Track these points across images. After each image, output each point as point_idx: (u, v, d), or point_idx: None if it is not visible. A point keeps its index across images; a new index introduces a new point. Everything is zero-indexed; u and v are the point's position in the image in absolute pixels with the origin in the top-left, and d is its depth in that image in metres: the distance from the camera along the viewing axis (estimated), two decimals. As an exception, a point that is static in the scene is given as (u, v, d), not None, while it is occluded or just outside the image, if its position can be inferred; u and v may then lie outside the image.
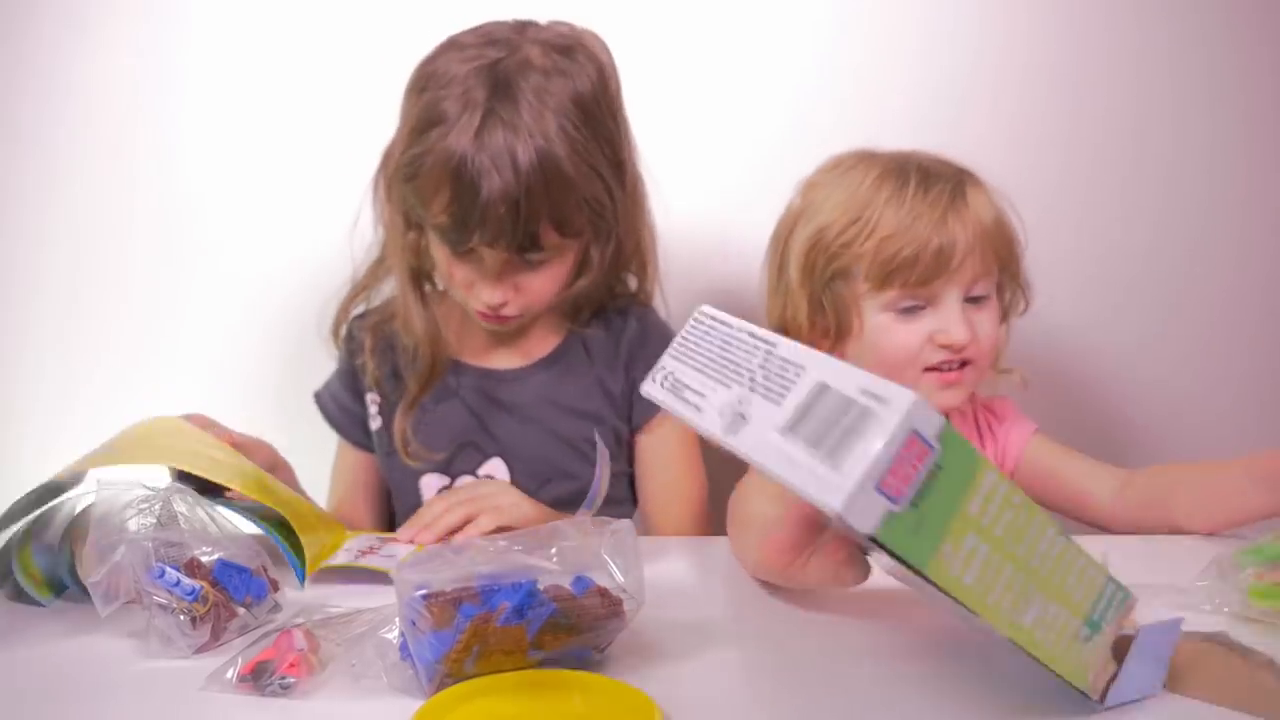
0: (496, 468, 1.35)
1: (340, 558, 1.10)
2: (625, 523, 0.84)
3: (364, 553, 1.11)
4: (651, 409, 1.33)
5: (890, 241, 1.24)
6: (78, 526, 0.96)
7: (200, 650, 0.89)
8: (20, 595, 0.99)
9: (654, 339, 1.36)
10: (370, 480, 1.45)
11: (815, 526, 0.87)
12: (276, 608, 0.97)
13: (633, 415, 1.38)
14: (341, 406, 1.44)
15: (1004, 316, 1.36)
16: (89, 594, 0.90)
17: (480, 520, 1.16)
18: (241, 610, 0.93)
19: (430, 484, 1.36)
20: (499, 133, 1.17)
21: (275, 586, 0.97)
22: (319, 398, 1.46)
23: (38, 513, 1.01)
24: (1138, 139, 1.65)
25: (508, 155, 1.16)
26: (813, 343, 1.29)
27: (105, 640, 0.92)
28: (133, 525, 0.92)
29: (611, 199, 1.27)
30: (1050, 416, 1.45)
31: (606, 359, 1.37)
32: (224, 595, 0.91)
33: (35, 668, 0.88)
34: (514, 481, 1.35)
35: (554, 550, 0.82)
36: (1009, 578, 0.69)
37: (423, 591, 0.80)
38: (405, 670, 0.83)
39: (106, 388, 1.67)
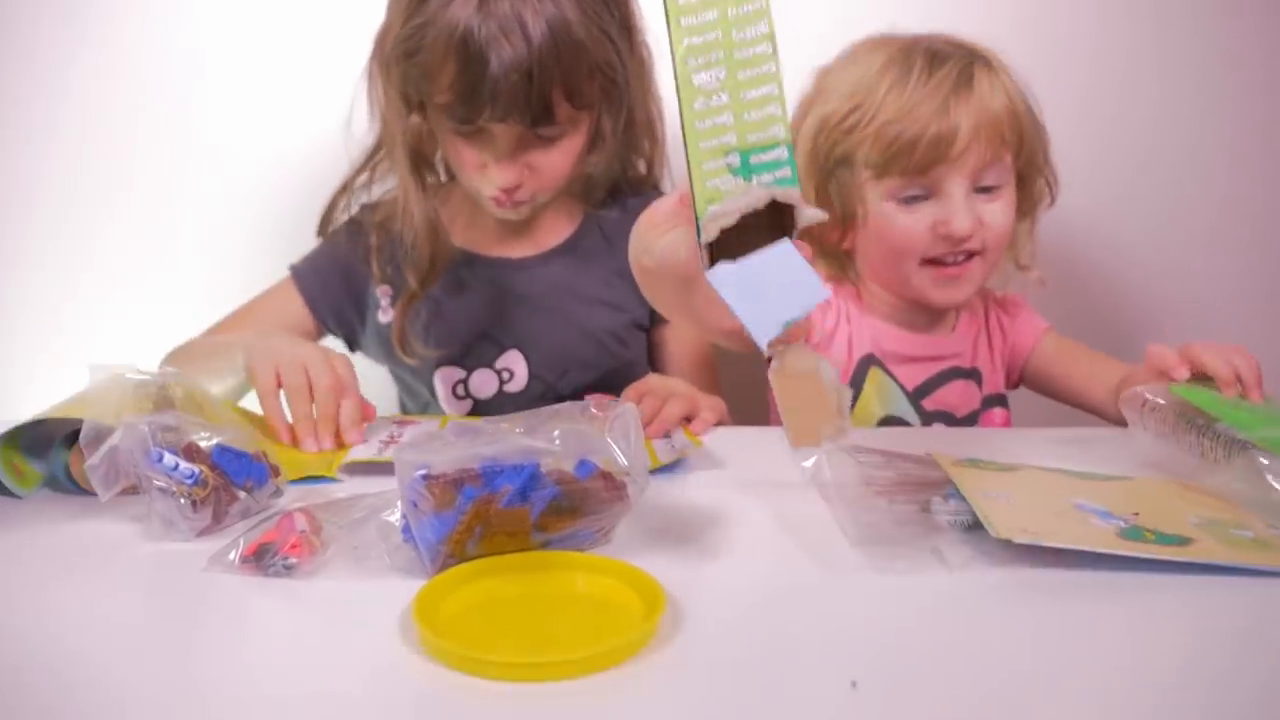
0: (514, 360, 1.33)
1: (364, 451, 1.08)
2: (629, 406, 0.83)
3: (387, 443, 1.10)
4: None
5: (889, 127, 1.22)
6: (70, 421, 0.95)
7: (202, 534, 0.89)
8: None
9: None
10: None
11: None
12: (278, 493, 0.96)
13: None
14: (325, 283, 1.38)
15: (1028, 210, 1.33)
16: (86, 492, 0.90)
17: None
18: (242, 494, 0.92)
19: (446, 378, 1.34)
20: None
21: (276, 472, 0.96)
22: (297, 271, 1.39)
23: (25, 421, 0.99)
24: (1133, 31, 1.61)
25: (516, 22, 1.11)
26: (821, 234, 1.28)
27: (107, 525, 0.92)
28: (128, 410, 0.91)
29: (623, 65, 1.22)
30: (1059, 308, 1.44)
31: (626, 243, 1.34)
32: (224, 479, 0.91)
33: (38, 552, 0.88)
34: (531, 375, 1.32)
35: (556, 433, 0.81)
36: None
37: (423, 472, 0.79)
38: (407, 552, 0.82)
39: (100, 289, 1.66)
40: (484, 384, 1.36)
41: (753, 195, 0.75)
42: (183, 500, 0.88)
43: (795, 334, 0.76)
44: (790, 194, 0.75)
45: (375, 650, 0.72)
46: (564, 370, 1.32)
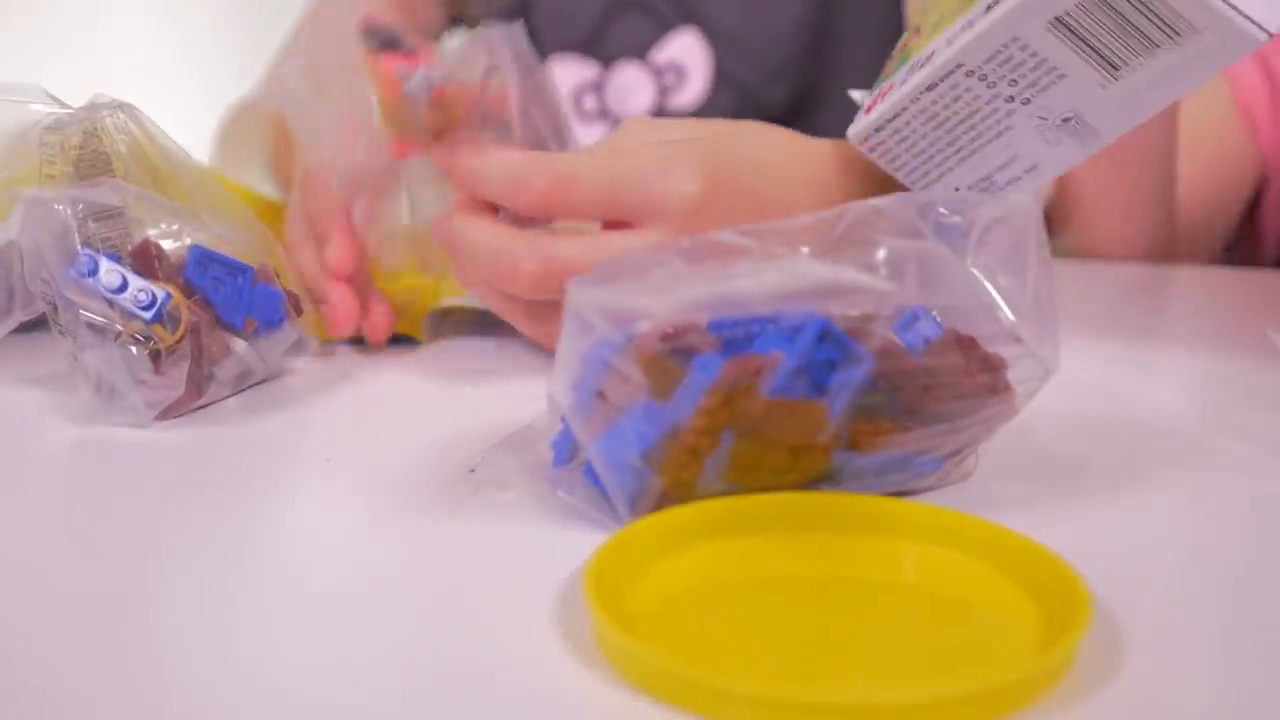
0: (688, 49, 0.89)
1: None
2: (1022, 199, 0.42)
3: None
4: None
5: None
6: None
7: (167, 413, 0.53)
8: None
9: None
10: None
11: None
12: (300, 346, 0.59)
13: None
14: None
15: None
16: None
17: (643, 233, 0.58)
18: (239, 344, 0.54)
19: (567, 75, 0.88)
20: None
21: (297, 306, 0.58)
22: None
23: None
24: None
25: None
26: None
27: None
28: (30, 177, 0.53)
29: None
30: None
31: None
32: (207, 311, 0.53)
33: None
34: (719, 74, 0.88)
35: (881, 253, 0.41)
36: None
37: (625, 332, 0.40)
38: (576, 481, 0.44)
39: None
40: (630, 91, 0.92)
41: None
42: (134, 349, 0.51)
43: None
44: None
45: (508, 655, 0.36)
46: (774, 71, 0.89)
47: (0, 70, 0.70)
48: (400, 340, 0.65)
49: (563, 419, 0.44)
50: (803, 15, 0.90)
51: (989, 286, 0.41)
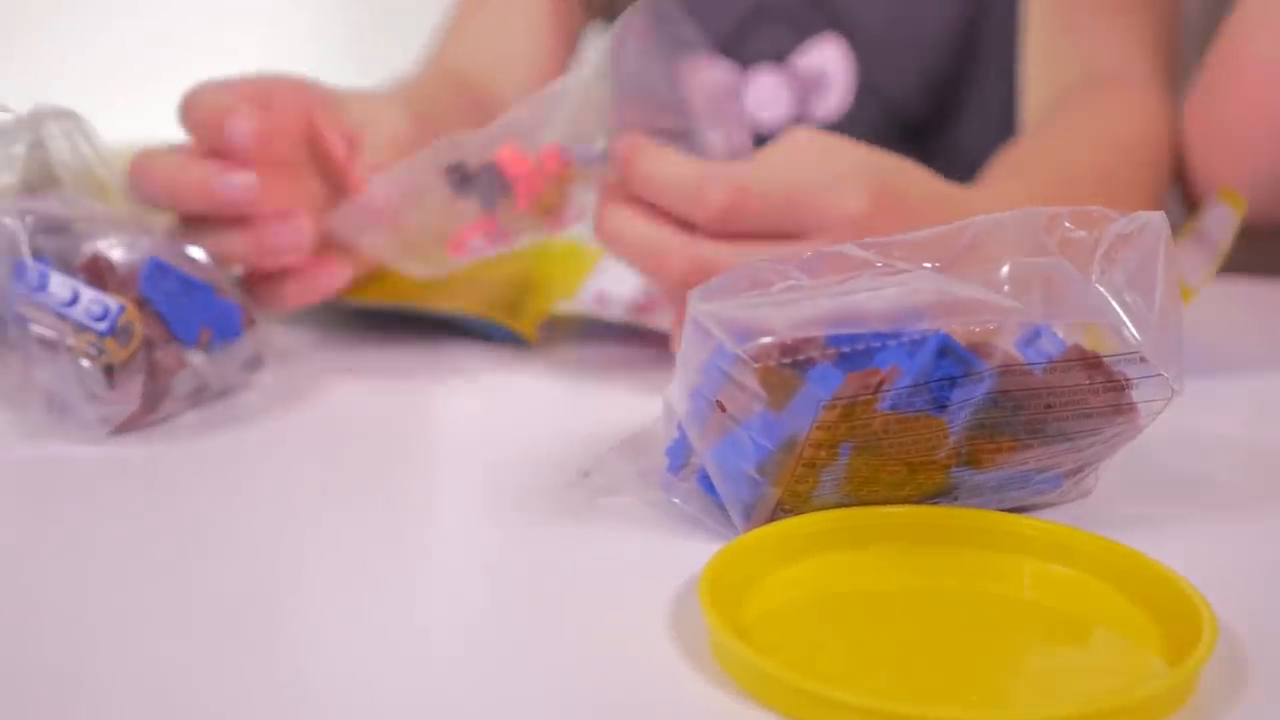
0: (829, 57, 0.87)
1: (587, 302, 0.69)
2: (1153, 215, 0.42)
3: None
4: None
5: None
6: None
7: (123, 427, 0.51)
8: None
9: None
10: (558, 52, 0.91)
11: None
12: (256, 361, 0.56)
13: None
14: None
15: None
16: None
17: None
18: (195, 356, 0.52)
19: (705, 81, 0.87)
20: None
21: (250, 319, 0.55)
22: None
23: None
24: None
25: None
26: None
27: None
28: None
29: None
30: None
31: None
32: (161, 326, 0.51)
33: None
34: (863, 83, 0.85)
35: (1004, 268, 0.40)
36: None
37: (743, 345, 0.40)
38: (691, 489, 0.44)
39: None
40: (768, 99, 0.88)
41: None
42: (86, 363, 0.49)
43: None
44: None
45: (623, 660, 0.37)
46: (923, 76, 0.87)
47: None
48: (510, 339, 0.65)
49: (678, 426, 0.44)
50: (952, 21, 0.87)
51: (1115, 304, 0.41)
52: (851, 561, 0.41)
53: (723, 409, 0.41)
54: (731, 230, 0.54)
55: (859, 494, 0.42)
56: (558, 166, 0.57)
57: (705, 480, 0.44)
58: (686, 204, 0.54)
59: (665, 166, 0.55)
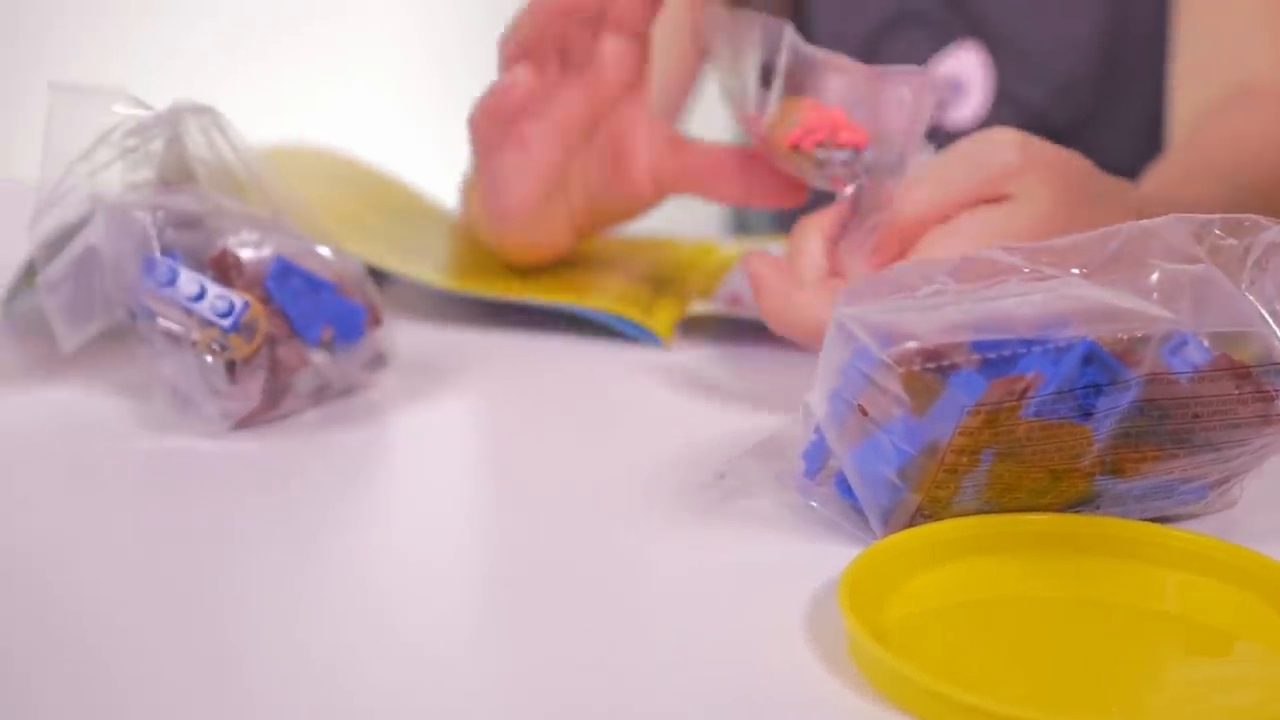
0: (968, 63, 0.84)
1: (721, 303, 0.69)
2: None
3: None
4: None
5: None
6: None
7: (243, 423, 0.51)
8: None
9: None
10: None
11: None
12: (380, 360, 0.56)
13: None
14: None
15: None
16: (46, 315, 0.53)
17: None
18: (317, 355, 0.53)
19: (834, 88, 0.86)
20: None
21: (376, 318, 0.55)
22: None
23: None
24: None
25: None
26: None
27: (73, 397, 0.55)
28: (113, 178, 0.52)
29: None
30: None
31: None
32: (284, 324, 0.52)
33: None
34: (1003, 93, 0.83)
35: (1154, 276, 0.40)
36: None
37: (890, 349, 0.40)
38: (829, 493, 0.45)
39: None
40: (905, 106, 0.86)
41: None
42: (210, 359, 0.50)
43: None
44: None
45: (761, 663, 0.37)
46: (1064, 83, 0.84)
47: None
48: (644, 336, 0.64)
49: (816, 429, 0.44)
50: (1095, 28, 0.85)
51: (1265, 314, 0.40)
52: (992, 568, 0.41)
53: (864, 413, 0.41)
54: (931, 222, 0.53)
55: (1000, 501, 0.42)
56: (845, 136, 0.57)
57: (843, 484, 0.44)
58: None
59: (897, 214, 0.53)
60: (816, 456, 0.45)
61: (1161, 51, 0.82)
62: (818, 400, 0.43)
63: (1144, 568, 0.41)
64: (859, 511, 0.43)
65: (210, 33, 1.45)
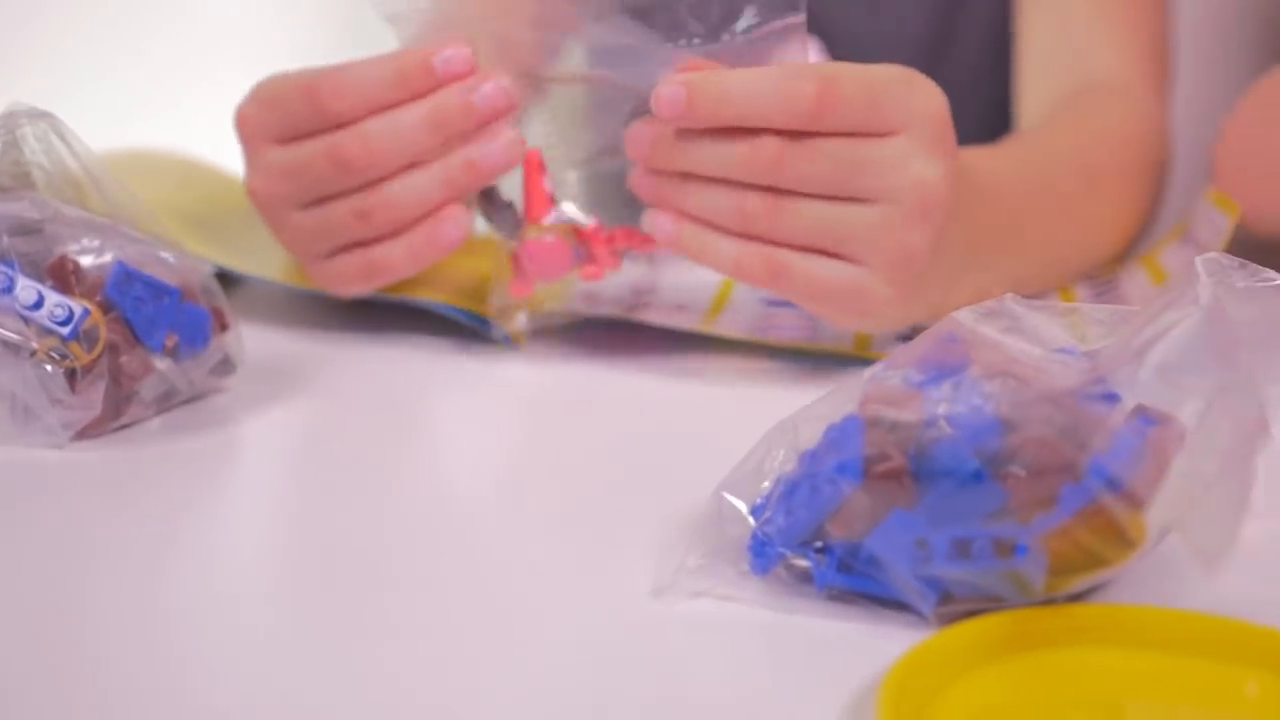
0: (799, 56, 0.70)
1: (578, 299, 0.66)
2: None
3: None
4: None
5: None
6: None
7: (85, 433, 0.52)
8: None
9: None
10: None
11: None
12: (227, 365, 0.57)
13: None
14: None
15: None
16: None
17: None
18: (161, 362, 0.53)
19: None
20: None
21: (223, 323, 0.56)
22: None
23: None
24: None
25: None
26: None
27: None
28: None
29: None
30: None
31: None
32: (127, 331, 0.52)
33: None
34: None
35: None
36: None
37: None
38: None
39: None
40: None
41: None
42: (49, 368, 0.51)
43: None
44: None
45: None
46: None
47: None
48: (487, 329, 0.63)
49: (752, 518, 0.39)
50: (924, 23, 0.89)
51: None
52: (1055, 664, 0.35)
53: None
54: (824, 128, 0.52)
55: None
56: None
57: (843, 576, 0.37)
58: (781, 101, 0.52)
59: (739, 79, 0.53)
60: (764, 551, 0.38)
61: (999, 46, 0.86)
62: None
63: (1225, 667, 0.35)
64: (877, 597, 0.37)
65: (57, 33, 1.37)
